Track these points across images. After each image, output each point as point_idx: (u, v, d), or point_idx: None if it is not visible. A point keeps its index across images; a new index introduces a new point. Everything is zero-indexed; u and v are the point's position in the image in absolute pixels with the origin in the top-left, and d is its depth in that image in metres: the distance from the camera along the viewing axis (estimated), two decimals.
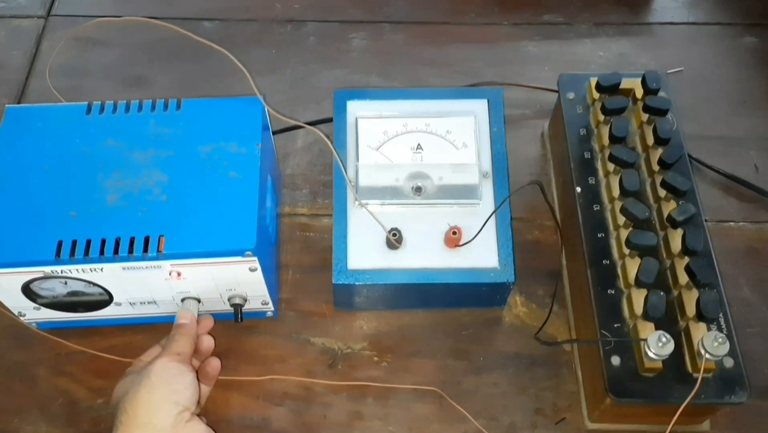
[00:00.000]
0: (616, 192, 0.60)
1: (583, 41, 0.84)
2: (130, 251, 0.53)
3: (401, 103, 0.67)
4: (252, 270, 0.56)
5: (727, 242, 0.68)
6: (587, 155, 0.64)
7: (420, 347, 0.64)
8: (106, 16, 0.84)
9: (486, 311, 0.65)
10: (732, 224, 0.70)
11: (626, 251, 0.57)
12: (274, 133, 0.71)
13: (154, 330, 0.62)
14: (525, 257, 0.66)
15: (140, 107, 0.61)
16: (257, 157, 0.58)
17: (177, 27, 0.65)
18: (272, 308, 0.63)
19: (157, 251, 0.53)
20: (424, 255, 0.61)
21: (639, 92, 0.66)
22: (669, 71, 0.79)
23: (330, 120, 0.68)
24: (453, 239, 0.60)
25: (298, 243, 0.69)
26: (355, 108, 0.66)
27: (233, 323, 0.61)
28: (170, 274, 0.56)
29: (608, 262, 0.58)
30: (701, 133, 0.75)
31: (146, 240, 0.54)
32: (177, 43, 0.79)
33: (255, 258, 0.55)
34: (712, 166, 0.73)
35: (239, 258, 0.55)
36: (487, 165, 0.64)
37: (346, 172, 0.62)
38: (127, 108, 0.61)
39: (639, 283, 0.55)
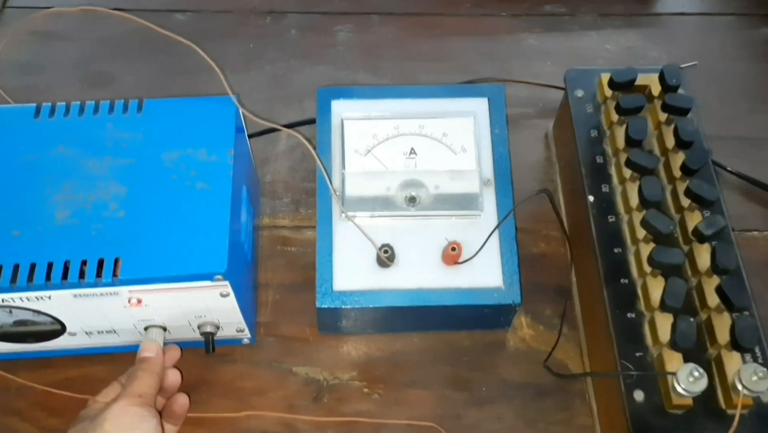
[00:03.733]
0: (634, 202, 0.54)
1: (588, 34, 0.77)
2: (81, 277, 0.46)
3: (392, 102, 0.60)
4: (223, 296, 0.49)
5: (751, 254, 0.61)
6: (599, 160, 0.58)
7: (415, 375, 0.57)
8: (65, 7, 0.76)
9: (488, 334, 0.59)
10: (756, 233, 0.64)
11: (648, 269, 0.51)
12: (250, 136, 0.64)
13: (114, 361, 0.55)
14: (530, 272, 0.60)
15: (96, 109, 0.54)
16: (229, 165, 0.51)
17: (141, 19, 0.58)
18: (249, 335, 0.56)
19: (113, 275, 0.46)
20: (420, 274, 0.54)
21: (656, 89, 0.60)
22: (681, 66, 0.73)
23: (313, 121, 0.61)
24: (452, 255, 0.53)
25: (279, 259, 0.62)
26: (340, 108, 0.59)
27: (205, 351, 0.54)
28: (129, 301, 0.49)
29: (627, 281, 0.52)
30: (717, 133, 0.68)
31: (100, 263, 0.47)
32: (145, 37, 0.72)
33: (226, 283, 0.48)
34: (732, 169, 0.66)
35: (208, 283, 0.48)
36: (488, 171, 0.58)
37: (330, 180, 0.56)
38: (81, 110, 0.54)
39: (665, 307, 0.49)
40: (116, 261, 0.47)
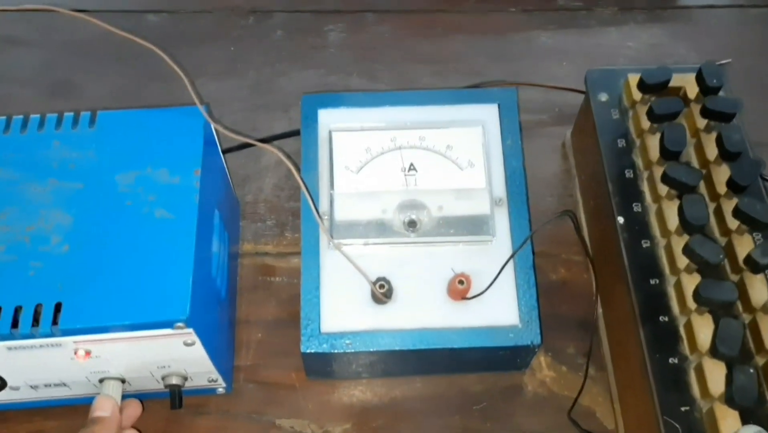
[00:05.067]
0: (672, 224, 0.46)
1: (607, 30, 0.69)
2: (14, 326, 0.39)
3: (388, 110, 0.52)
4: (188, 345, 0.41)
5: None
6: (629, 174, 0.50)
7: (418, 426, 0.49)
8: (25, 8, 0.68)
9: (503, 377, 0.51)
10: None
11: (692, 305, 0.43)
12: (228, 150, 0.57)
13: (71, 414, 0.48)
14: (549, 302, 0.52)
15: (41, 124, 0.46)
16: (195, 188, 0.43)
17: (103, 22, 0.50)
18: (223, 384, 0.48)
19: (53, 324, 0.39)
20: (422, 311, 0.46)
21: (692, 91, 0.52)
22: (713, 63, 0.65)
23: (298, 133, 0.53)
24: (459, 290, 0.46)
25: (262, 291, 0.54)
26: (328, 118, 0.52)
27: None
28: (75, 353, 0.41)
29: (667, 318, 0.44)
30: (758, 140, 0.60)
31: (37, 310, 0.39)
32: (112, 41, 0.64)
33: (190, 330, 0.40)
34: None
35: (168, 331, 0.40)
36: (500, 189, 0.50)
37: (315, 204, 0.48)
38: (24, 125, 0.46)
39: (716, 353, 0.40)
40: (57, 306, 0.39)
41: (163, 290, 0.40)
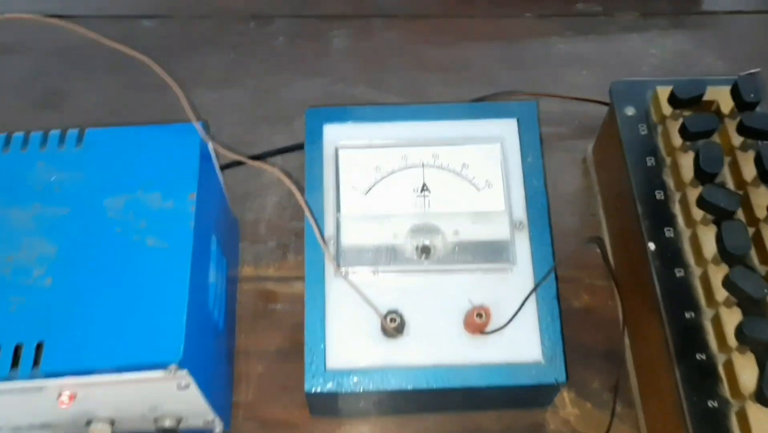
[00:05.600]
0: (709, 252, 0.42)
1: (628, 37, 0.65)
2: None
3: (399, 126, 0.48)
4: (183, 387, 0.38)
5: None
6: (659, 195, 0.46)
7: None
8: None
9: (523, 415, 0.47)
10: None
11: (733, 343, 0.39)
12: (227, 166, 0.53)
13: None
14: (572, 332, 0.48)
15: (25, 143, 0.42)
16: (190, 213, 0.40)
17: (89, 29, 0.47)
18: (220, 425, 0.44)
19: (33, 365, 0.35)
20: (436, 346, 0.43)
21: (726, 106, 0.48)
22: (741, 74, 0.61)
23: (301, 147, 0.49)
24: (477, 324, 0.42)
25: (263, 320, 0.51)
26: (334, 134, 0.48)
27: None
28: (59, 397, 0.37)
29: (704, 356, 0.40)
30: None
31: (17, 350, 0.36)
32: (105, 49, 0.60)
33: (185, 372, 0.36)
34: None
35: (160, 374, 0.36)
36: (520, 212, 0.46)
37: (320, 228, 0.44)
38: (6, 143, 0.42)
39: (762, 399, 0.37)
40: (38, 346, 0.36)
41: (154, 327, 0.36)
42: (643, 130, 0.49)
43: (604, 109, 0.53)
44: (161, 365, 0.36)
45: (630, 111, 0.50)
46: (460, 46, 0.65)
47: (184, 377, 0.37)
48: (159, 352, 0.36)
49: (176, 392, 0.38)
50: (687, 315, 0.42)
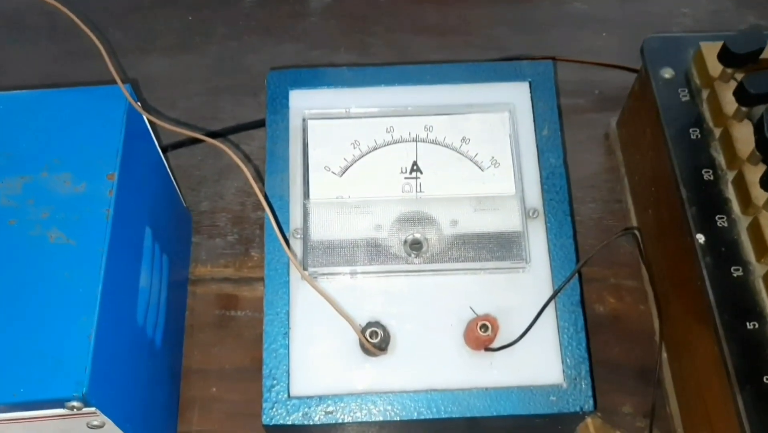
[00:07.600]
0: None
1: None
2: None
3: (383, 91, 0.40)
4: (95, 427, 0.29)
5: None
6: (707, 176, 0.37)
7: None
8: None
9: None
10: None
11: None
12: (178, 145, 0.44)
13: None
14: (596, 343, 0.41)
15: None
16: (105, 200, 0.31)
17: None
18: None
19: None
20: (430, 366, 0.35)
21: None
22: None
23: (263, 124, 0.41)
24: (481, 338, 0.33)
25: (218, 330, 0.43)
26: (302, 101, 0.40)
27: None
28: None
29: None
30: None
31: None
32: (45, 10, 0.52)
33: (93, 409, 0.27)
34: None
35: (61, 411, 0.27)
36: (534, 197, 0.38)
37: (281, 219, 0.35)
38: None
39: None
40: None
41: (53, 352, 0.27)
42: (685, 96, 0.40)
43: (629, 76, 0.47)
44: (59, 402, 0.27)
45: (667, 73, 0.41)
46: (460, 4, 0.58)
47: (95, 414, 0.28)
48: (58, 384, 0.27)
49: (90, 432, 0.29)
50: (749, 326, 0.33)
